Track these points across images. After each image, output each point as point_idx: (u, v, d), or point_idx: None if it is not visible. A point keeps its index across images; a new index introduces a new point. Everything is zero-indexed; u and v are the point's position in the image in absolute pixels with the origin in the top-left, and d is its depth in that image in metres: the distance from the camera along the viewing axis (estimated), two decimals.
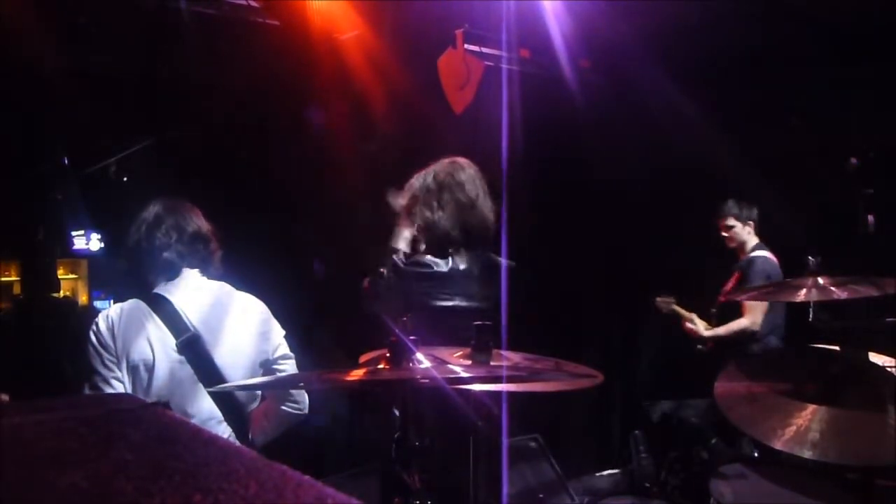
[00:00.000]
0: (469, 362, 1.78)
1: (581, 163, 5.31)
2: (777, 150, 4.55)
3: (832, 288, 2.26)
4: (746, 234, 4.35)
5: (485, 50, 4.60)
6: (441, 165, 2.59)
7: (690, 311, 4.46)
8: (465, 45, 4.27)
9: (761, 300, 4.02)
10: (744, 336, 4.15)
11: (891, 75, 3.97)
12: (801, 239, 4.29)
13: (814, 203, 4.28)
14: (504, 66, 4.67)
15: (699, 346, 4.37)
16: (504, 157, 3.83)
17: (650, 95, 4.69)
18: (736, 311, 4.23)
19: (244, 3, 3.97)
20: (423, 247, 2.48)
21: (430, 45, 4.36)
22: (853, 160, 3.61)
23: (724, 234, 4.39)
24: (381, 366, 1.52)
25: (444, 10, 4.20)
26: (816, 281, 2.32)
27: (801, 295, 2.32)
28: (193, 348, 2.07)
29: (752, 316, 4.15)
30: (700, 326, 4.38)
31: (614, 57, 4.91)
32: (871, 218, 3.63)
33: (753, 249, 4.30)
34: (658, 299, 4.53)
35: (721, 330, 4.28)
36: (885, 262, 2.43)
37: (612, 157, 4.99)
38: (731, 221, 4.37)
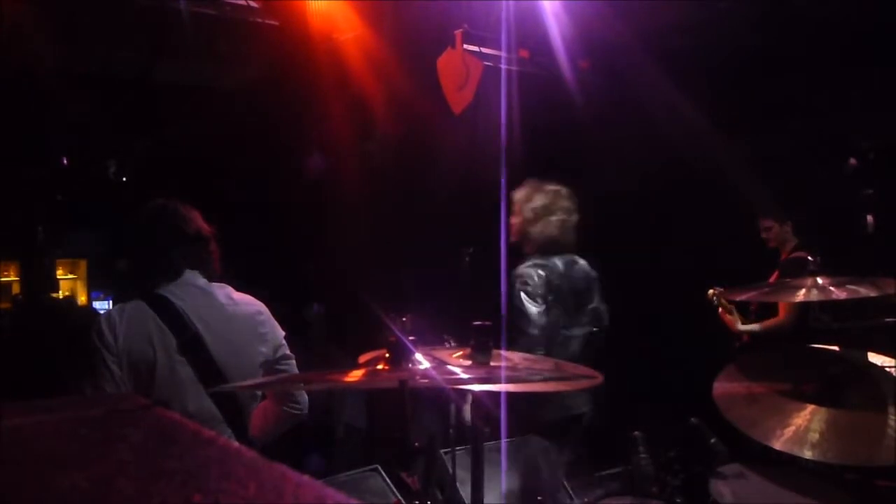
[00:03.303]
0: (468, 362, 1.78)
1: (580, 163, 5.31)
2: (777, 149, 4.55)
3: (832, 288, 2.26)
4: (786, 233, 4.33)
5: (484, 50, 4.60)
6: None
7: (732, 304, 4.45)
8: (465, 46, 4.27)
9: (760, 300, 4.02)
10: (776, 334, 4.15)
11: (891, 75, 3.97)
12: (804, 240, 4.31)
13: (814, 203, 4.27)
14: (503, 66, 4.66)
15: (736, 343, 4.38)
16: (503, 158, 3.83)
17: (649, 95, 4.69)
18: (773, 309, 4.23)
19: (244, 3, 3.97)
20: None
21: (430, 45, 4.36)
22: (853, 160, 3.61)
23: (763, 235, 4.38)
24: (380, 366, 1.52)
25: (443, 11, 4.20)
26: (816, 281, 2.31)
27: (801, 295, 2.32)
28: (194, 349, 2.07)
29: (787, 315, 4.16)
30: (737, 320, 4.38)
31: (613, 57, 4.91)
32: (870, 218, 3.63)
33: (794, 250, 4.28)
34: (711, 291, 4.47)
35: (755, 326, 4.29)
36: (885, 262, 2.43)
37: (611, 157, 4.99)
38: (769, 222, 4.35)
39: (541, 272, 3.12)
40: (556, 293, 3.13)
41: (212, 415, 2.09)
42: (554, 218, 3.24)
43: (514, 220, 3.32)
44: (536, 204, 3.26)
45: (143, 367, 2.02)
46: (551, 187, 3.31)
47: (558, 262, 3.20)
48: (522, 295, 3.07)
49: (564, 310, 3.15)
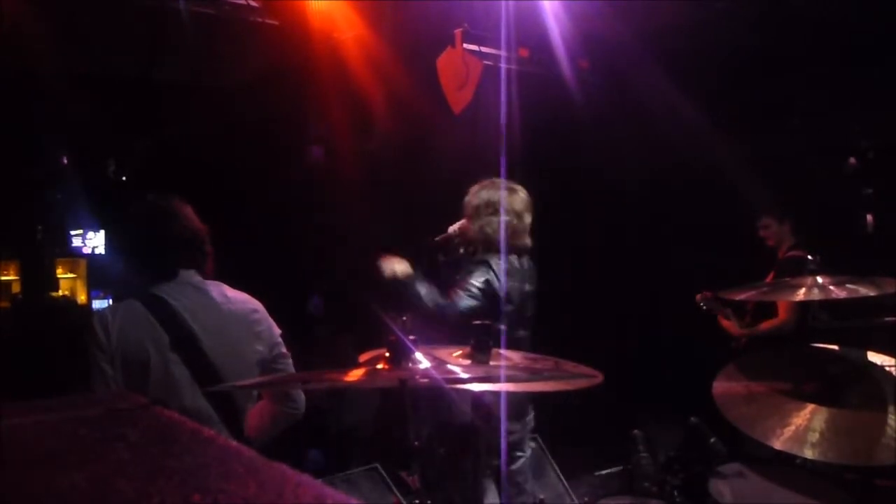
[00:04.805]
0: (468, 362, 1.78)
1: (579, 162, 5.31)
2: (777, 149, 4.56)
3: (832, 287, 2.25)
4: (784, 232, 4.31)
5: (484, 49, 4.60)
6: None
7: (728, 307, 4.44)
8: (464, 45, 4.27)
9: (759, 300, 4.02)
10: (778, 335, 4.14)
11: (891, 75, 3.97)
12: (801, 239, 4.31)
13: (814, 203, 4.27)
14: (503, 65, 4.66)
15: (732, 343, 4.38)
16: (503, 157, 3.83)
17: (649, 95, 4.69)
18: (769, 310, 4.23)
19: (244, 2, 3.97)
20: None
21: (429, 44, 4.36)
22: (852, 160, 3.61)
23: (762, 233, 4.37)
24: (379, 365, 1.52)
25: (443, 10, 4.20)
26: (816, 280, 2.31)
27: (801, 294, 2.32)
28: (189, 348, 2.06)
29: (788, 315, 4.15)
30: (734, 323, 4.37)
31: (613, 57, 4.91)
32: (870, 218, 3.64)
33: (791, 249, 4.27)
34: (699, 297, 4.48)
35: (757, 328, 4.28)
36: (885, 262, 2.43)
37: (611, 157, 4.99)
38: (768, 220, 4.34)
39: (485, 271, 2.90)
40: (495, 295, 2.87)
41: (208, 414, 2.08)
42: (496, 218, 2.95)
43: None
44: (480, 201, 3.02)
45: (137, 367, 2.01)
46: (505, 185, 3.04)
47: (502, 263, 2.94)
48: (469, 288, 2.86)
49: (503, 310, 2.88)
